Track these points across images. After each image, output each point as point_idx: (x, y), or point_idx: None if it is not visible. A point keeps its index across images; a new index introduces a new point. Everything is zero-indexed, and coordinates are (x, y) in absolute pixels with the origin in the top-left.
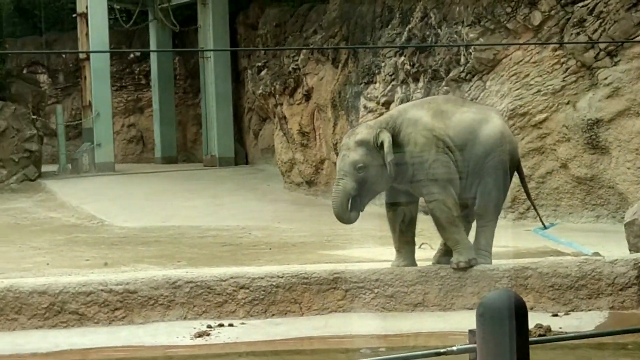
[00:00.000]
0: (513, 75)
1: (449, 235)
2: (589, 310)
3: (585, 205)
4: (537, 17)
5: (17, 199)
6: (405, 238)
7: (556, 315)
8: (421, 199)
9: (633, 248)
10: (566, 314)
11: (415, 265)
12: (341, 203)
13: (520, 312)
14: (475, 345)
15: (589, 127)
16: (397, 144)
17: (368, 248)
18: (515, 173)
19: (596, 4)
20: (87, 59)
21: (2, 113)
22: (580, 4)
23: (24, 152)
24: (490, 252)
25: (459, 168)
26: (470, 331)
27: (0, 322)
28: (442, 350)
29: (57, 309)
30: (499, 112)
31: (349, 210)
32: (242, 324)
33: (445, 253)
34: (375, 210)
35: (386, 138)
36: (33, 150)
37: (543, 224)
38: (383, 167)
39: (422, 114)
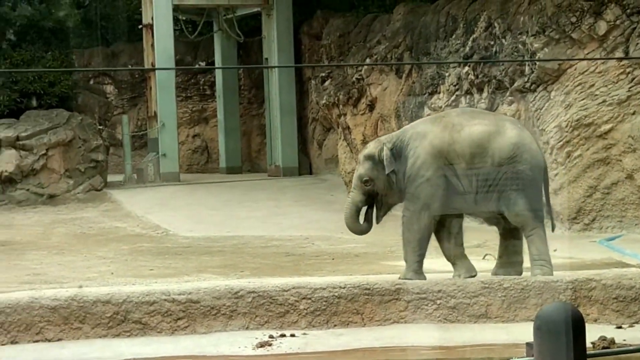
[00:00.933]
0: (578, 85)
1: (404, 250)
2: None
3: None
4: (602, 27)
5: (83, 209)
6: (454, 250)
7: (620, 327)
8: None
9: None
10: (630, 326)
11: (475, 274)
12: (350, 214)
13: (577, 325)
14: (532, 358)
15: None
16: (404, 156)
17: (430, 259)
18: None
19: None
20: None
21: (68, 123)
22: None
23: (90, 162)
24: (547, 260)
25: (463, 181)
26: (528, 344)
27: (65, 331)
28: None
29: (120, 318)
30: (515, 121)
31: (358, 221)
32: (304, 334)
33: (503, 265)
34: None
35: (386, 152)
36: (99, 160)
37: (553, 225)
38: (391, 181)
39: (431, 128)
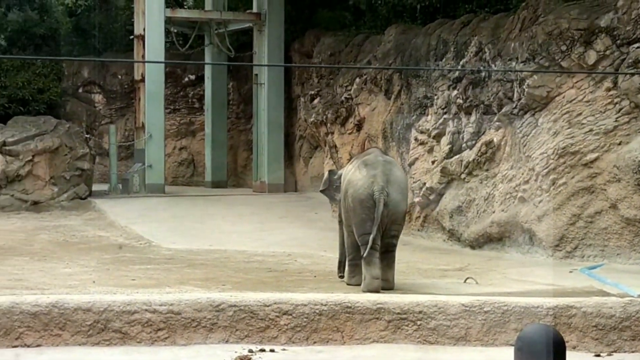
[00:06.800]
0: (566, 113)
1: None
2: (632, 352)
3: (634, 247)
4: (591, 57)
5: (67, 217)
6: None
7: (599, 355)
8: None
9: None
10: (609, 354)
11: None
12: None
13: (558, 347)
14: None
15: None
16: None
17: (413, 280)
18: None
19: None
20: (142, 80)
21: (56, 131)
22: (636, 45)
23: (76, 170)
24: (365, 283)
25: None
26: None
27: (44, 337)
28: None
29: (100, 326)
30: (364, 162)
31: None
32: (284, 350)
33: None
34: (422, 242)
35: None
36: (85, 168)
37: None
38: None
39: None
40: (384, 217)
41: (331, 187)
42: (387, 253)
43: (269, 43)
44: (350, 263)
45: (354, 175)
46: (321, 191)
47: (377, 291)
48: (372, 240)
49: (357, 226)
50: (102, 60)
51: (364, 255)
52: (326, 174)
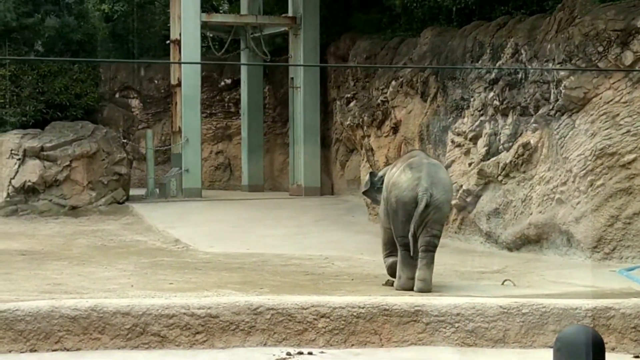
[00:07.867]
0: (603, 114)
1: None
2: None
3: None
4: (628, 57)
5: (104, 221)
6: None
7: (637, 357)
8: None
9: None
10: None
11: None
12: None
13: (597, 348)
14: None
15: None
16: None
17: (450, 282)
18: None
19: None
20: (179, 85)
21: (93, 136)
22: None
23: (113, 175)
24: (396, 279)
25: None
26: None
27: (84, 341)
28: None
29: (139, 330)
30: (409, 165)
31: None
32: (322, 352)
33: None
34: (459, 245)
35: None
36: (122, 173)
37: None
38: None
39: None
40: (425, 217)
41: (372, 189)
42: (426, 252)
43: (304, 47)
44: (387, 255)
45: (399, 178)
46: (363, 193)
47: (410, 290)
48: (406, 243)
49: (397, 228)
50: (139, 62)
51: (400, 256)
52: (367, 175)
